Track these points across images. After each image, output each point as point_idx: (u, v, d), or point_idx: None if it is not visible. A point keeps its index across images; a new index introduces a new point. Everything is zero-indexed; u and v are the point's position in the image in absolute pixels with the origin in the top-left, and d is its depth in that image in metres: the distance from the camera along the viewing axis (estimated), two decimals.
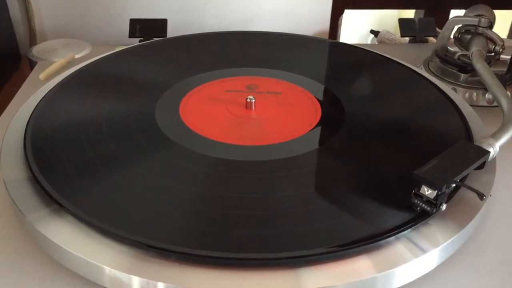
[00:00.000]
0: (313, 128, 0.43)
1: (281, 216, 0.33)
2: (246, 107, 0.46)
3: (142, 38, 0.63)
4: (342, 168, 0.39)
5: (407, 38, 0.70)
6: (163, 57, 0.55)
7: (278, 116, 0.45)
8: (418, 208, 0.33)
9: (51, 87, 0.47)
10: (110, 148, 0.39)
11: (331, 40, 0.65)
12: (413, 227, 0.32)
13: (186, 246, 0.30)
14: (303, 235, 0.31)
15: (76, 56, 0.60)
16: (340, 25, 0.88)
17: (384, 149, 0.41)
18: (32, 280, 0.31)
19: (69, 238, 0.31)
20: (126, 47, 0.56)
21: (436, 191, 0.33)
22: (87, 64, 0.51)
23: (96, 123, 0.42)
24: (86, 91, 0.47)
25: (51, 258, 0.32)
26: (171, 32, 0.64)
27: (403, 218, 0.33)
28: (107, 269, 0.29)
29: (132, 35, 0.63)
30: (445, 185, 0.32)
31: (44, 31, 0.75)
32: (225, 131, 0.42)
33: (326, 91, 0.49)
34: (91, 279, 0.30)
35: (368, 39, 0.92)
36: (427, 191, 0.33)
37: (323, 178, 0.37)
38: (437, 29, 0.69)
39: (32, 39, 0.75)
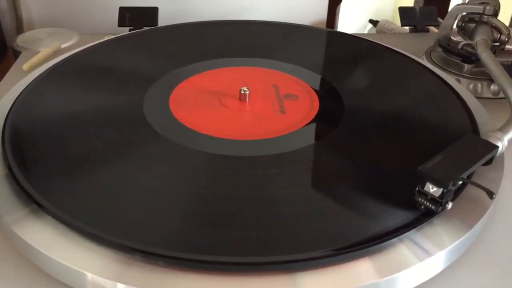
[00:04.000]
0: (310, 122, 0.41)
1: (276, 216, 0.31)
2: (240, 99, 0.43)
3: (132, 27, 0.60)
4: (341, 164, 0.36)
5: (407, 28, 0.68)
6: (153, 47, 0.52)
7: (273, 108, 0.43)
8: (422, 207, 0.31)
9: (34, 78, 0.44)
10: (95, 144, 0.36)
11: (329, 30, 0.63)
12: (417, 227, 0.30)
13: (175, 249, 0.28)
14: (299, 237, 0.29)
15: (63, 46, 0.57)
16: (338, 14, 0.85)
17: (385, 144, 0.38)
18: (10, 285, 0.29)
19: (49, 241, 0.29)
20: (114, 36, 0.54)
21: (442, 189, 0.30)
22: (72, 54, 0.48)
23: (80, 116, 0.39)
24: (70, 82, 0.44)
25: (30, 263, 0.30)
26: (163, 21, 0.61)
27: (406, 218, 0.31)
28: (89, 275, 0.27)
29: (121, 23, 0.61)
30: (452, 183, 0.30)
31: (32, 20, 0.73)
32: (217, 124, 0.40)
33: (324, 82, 0.47)
34: (72, 285, 0.28)
35: (365, 29, 0.89)
36: (432, 189, 0.31)
37: (321, 176, 0.35)
38: (439, 19, 0.67)
39: (19, 29, 0.72)
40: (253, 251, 0.28)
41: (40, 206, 0.30)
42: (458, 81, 0.50)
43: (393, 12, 0.90)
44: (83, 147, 0.36)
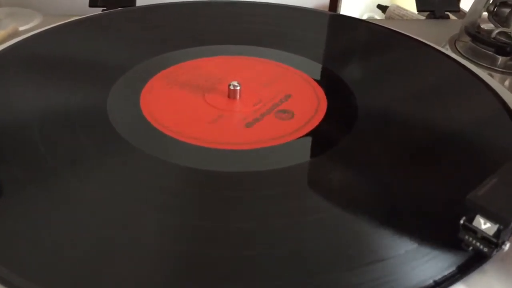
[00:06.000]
0: (316, 126, 0.32)
1: (271, 257, 0.23)
2: (228, 96, 0.35)
3: (105, 8, 0.51)
4: (355, 185, 0.28)
5: (419, 15, 0.60)
6: (125, 31, 0.44)
7: (270, 108, 0.34)
8: (470, 247, 0.23)
9: None
10: (41, 154, 0.28)
11: (337, 14, 0.54)
12: (464, 277, 0.22)
13: None
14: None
15: (21, 29, 0.48)
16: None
17: (412, 158, 0.30)
18: None
19: None
20: (78, 18, 0.45)
21: (498, 225, 0.23)
22: (23, 39, 0.40)
23: (25, 118, 0.31)
24: (16, 74, 0.36)
25: None
26: (143, 0, 0.53)
27: (446, 264, 0.23)
28: None
29: (93, 3, 0.52)
30: None
31: None
32: (200, 129, 0.32)
33: (332, 76, 0.39)
34: None
35: (364, 15, 0.80)
36: (484, 224, 0.23)
37: (328, 201, 0.27)
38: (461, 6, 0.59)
39: None
40: None
41: None
42: (491, 75, 0.42)
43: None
44: (24, 158, 0.28)
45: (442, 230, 0.24)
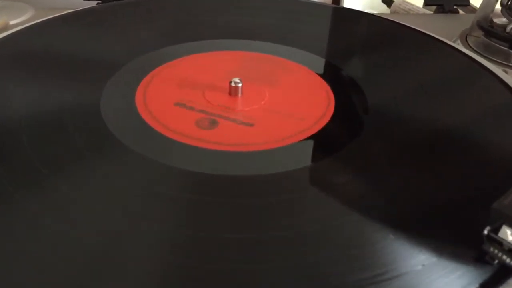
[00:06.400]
0: (325, 126, 0.30)
1: (275, 271, 0.21)
2: (230, 93, 0.33)
3: (99, 1, 0.49)
4: (368, 190, 0.26)
5: (425, 9, 0.58)
6: (121, 25, 0.41)
7: (274, 107, 0.32)
8: (495, 260, 0.21)
9: None
10: (29, 159, 0.26)
11: (344, 7, 0.52)
12: None
13: None
14: None
15: (12, 22, 0.46)
16: None
17: (428, 161, 0.28)
18: None
19: None
20: (71, 11, 0.43)
21: None
22: (13, 33, 0.37)
23: (12, 116, 0.29)
24: (5, 70, 0.33)
25: None
26: None
27: (468, 279, 0.21)
28: None
29: None
30: None
31: None
32: (200, 129, 0.29)
33: (340, 73, 0.37)
34: None
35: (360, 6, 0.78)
36: (511, 235, 0.21)
37: (338, 208, 0.25)
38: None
39: None
40: None
41: None
42: (505, 72, 0.40)
43: None
44: (12, 164, 0.26)
45: (463, 241, 0.22)
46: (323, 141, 0.30)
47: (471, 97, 0.34)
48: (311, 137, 0.29)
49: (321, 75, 0.36)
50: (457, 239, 0.23)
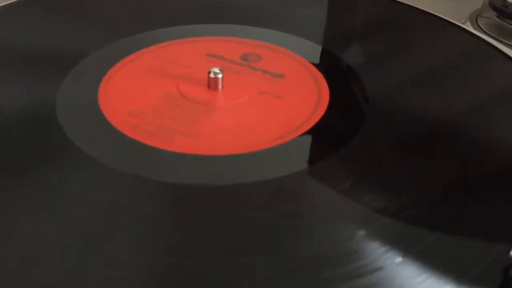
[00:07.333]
0: (317, 123, 0.26)
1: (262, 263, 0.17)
2: (208, 86, 0.29)
3: None
4: (368, 198, 0.22)
5: None
6: (83, 10, 0.37)
7: (260, 102, 0.28)
8: None
9: None
10: None
11: None
12: None
13: None
14: None
15: None
16: None
17: (438, 162, 0.24)
18: None
19: None
20: None
21: None
22: None
23: None
24: None
25: None
26: None
27: None
28: None
29: None
30: None
31: None
32: (173, 128, 0.25)
33: (336, 62, 0.33)
34: None
35: None
36: None
37: (333, 223, 0.21)
38: None
39: None
40: None
41: None
42: None
43: None
44: None
45: (485, 264, 0.18)
46: (318, 141, 0.25)
47: (483, 82, 0.30)
48: (303, 135, 0.25)
49: (315, 64, 0.32)
50: (478, 261, 0.19)
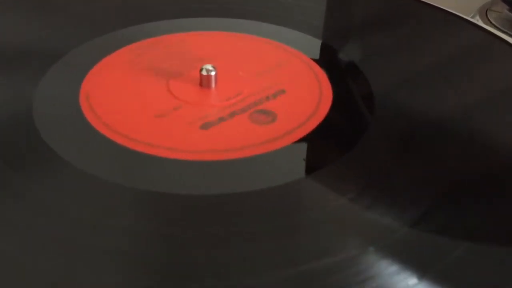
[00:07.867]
0: (318, 125, 0.24)
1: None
2: (200, 84, 0.26)
3: None
4: (377, 210, 0.20)
5: None
6: (64, 2, 0.34)
7: (257, 101, 0.26)
8: None
9: None
10: None
11: None
12: None
13: None
14: None
15: None
16: None
17: (452, 165, 0.22)
18: None
19: None
20: None
21: None
22: None
23: None
24: None
25: None
26: None
27: None
28: None
29: None
30: None
31: None
32: (163, 132, 0.23)
33: (339, 58, 0.31)
34: None
35: None
36: None
37: (340, 239, 0.19)
38: None
39: None
40: None
41: None
42: None
43: None
44: None
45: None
46: (320, 145, 0.23)
47: (494, 79, 0.28)
48: (304, 137, 0.23)
49: (316, 60, 0.30)
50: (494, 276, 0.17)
